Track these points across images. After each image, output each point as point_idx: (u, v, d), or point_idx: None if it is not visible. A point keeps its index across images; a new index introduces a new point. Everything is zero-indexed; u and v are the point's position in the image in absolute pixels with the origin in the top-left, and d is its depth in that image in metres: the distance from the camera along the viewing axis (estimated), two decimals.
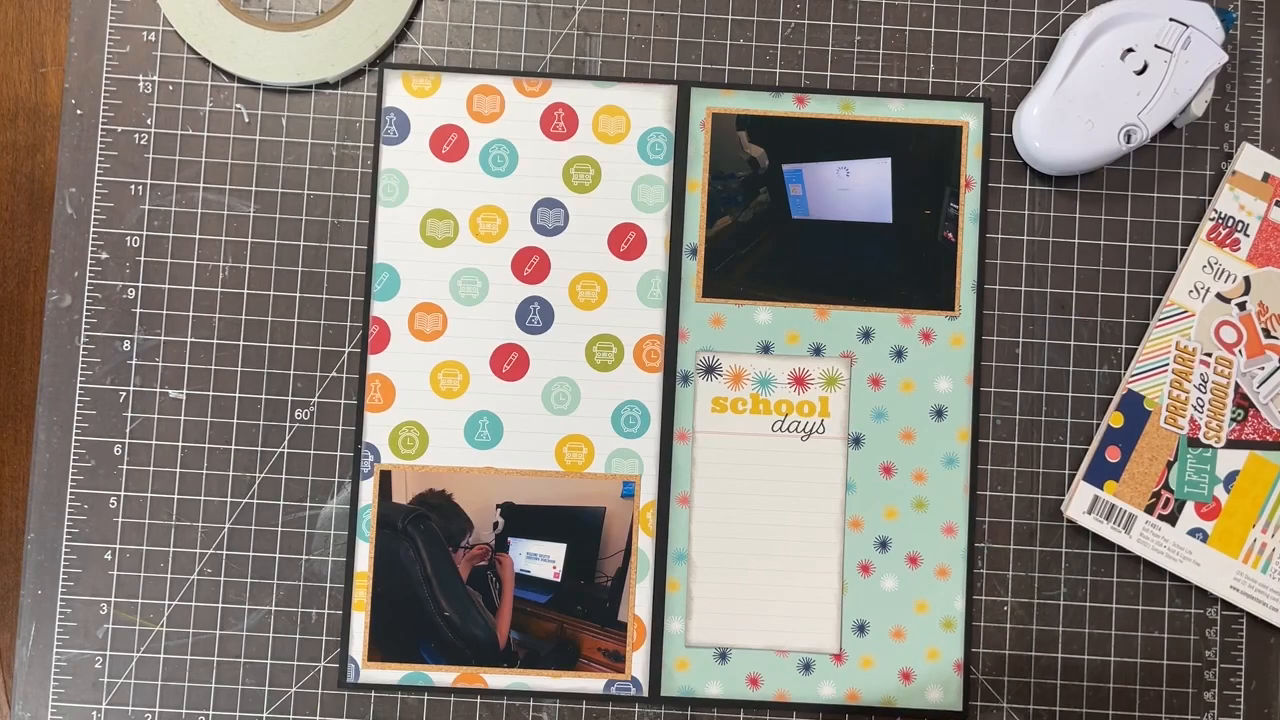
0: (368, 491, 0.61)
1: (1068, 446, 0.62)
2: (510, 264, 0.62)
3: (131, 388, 0.61)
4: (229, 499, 0.61)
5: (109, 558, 0.60)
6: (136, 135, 0.62)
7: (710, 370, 0.62)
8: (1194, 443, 0.61)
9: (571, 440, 0.61)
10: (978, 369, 0.62)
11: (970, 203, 0.62)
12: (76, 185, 0.61)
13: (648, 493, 0.61)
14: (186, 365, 0.61)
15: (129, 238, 0.61)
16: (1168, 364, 0.61)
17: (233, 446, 0.61)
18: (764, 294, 0.62)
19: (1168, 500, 0.61)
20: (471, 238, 0.62)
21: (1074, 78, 0.60)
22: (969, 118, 0.62)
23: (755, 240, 0.62)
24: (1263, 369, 0.61)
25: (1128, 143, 0.60)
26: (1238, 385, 0.61)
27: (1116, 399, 0.61)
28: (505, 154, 0.62)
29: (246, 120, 0.62)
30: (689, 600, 0.61)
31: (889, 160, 0.62)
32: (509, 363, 0.61)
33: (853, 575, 0.61)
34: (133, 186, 0.61)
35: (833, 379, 0.61)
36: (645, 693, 0.60)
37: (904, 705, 0.60)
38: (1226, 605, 0.61)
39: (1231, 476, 0.61)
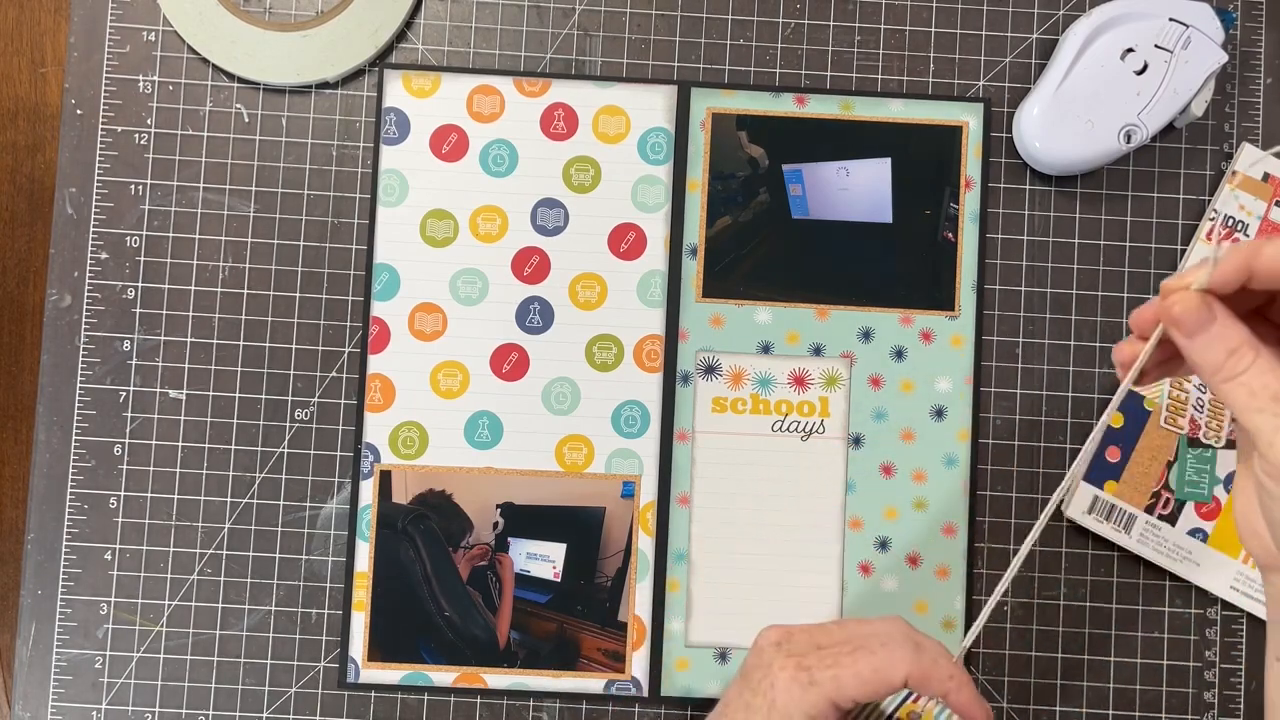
0: (368, 491, 0.61)
1: (1068, 446, 0.62)
2: (510, 264, 0.62)
3: (131, 388, 0.61)
4: (229, 499, 0.61)
5: (109, 558, 0.60)
6: (136, 135, 0.62)
7: (710, 370, 0.62)
8: (1194, 443, 0.61)
9: (571, 440, 0.61)
10: (978, 369, 0.62)
11: (970, 203, 0.62)
12: (76, 185, 0.61)
13: (648, 493, 0.61)
14: (186, 365, 0.61)
15: (129, 238, 0.61)
16: None
17: (233, 446, 0.61)
18: (764, 294, 0.62)
19: (1168, 500, 0.61)
20: (471, 238, 0.62)
21: (1074, 78, 0.60)
22: (969, 118, 0.62)
23: (755, 240, 0.62)
24: None
25: (1128, 143, 0.60)
26: None
27: (1116, 399, 0.61)
28: (505, 154, 0.62)
29: (246, 120, 0.62)
30: (689, 600, 0.61)
31: (889, 160, 0.62)
32: (509, 363, 0.61)
33: (853, 575, 0.61)
34: (133, 186, 0.61)
35: (833, 379, 0.61)
36: (645, 693, 0.60)
37: None
38: (1226, 605, 0.61)
39: (1231, 476, 0.61)
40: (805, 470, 0.61)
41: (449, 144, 0.62)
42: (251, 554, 0.61)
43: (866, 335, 0.62)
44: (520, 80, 0.62)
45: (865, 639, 0.46)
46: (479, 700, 0.60)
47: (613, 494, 0.61)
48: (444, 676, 0.60)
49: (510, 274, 0.62)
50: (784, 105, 0.62)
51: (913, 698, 0.48)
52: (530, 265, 0.62)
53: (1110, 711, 0.60)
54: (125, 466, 0.61)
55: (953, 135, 0.62)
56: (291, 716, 0.60)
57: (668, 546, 0.61)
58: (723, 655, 0.61)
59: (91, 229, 0.61)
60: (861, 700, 0.45)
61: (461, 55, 0.62)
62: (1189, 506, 0.61)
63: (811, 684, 0.45)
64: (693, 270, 0.62)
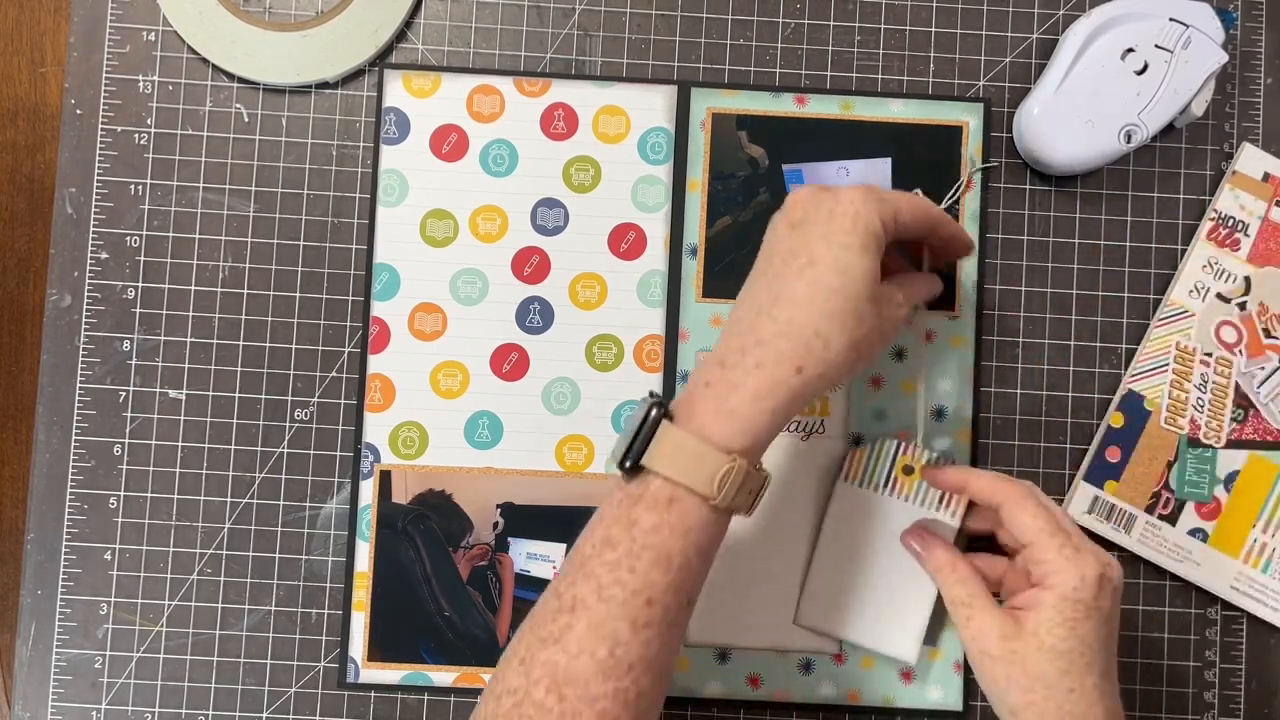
0: (368, 491, 0.61)
1: (1068, 446, 0.62)
2: (510, 264, 0.62)
3: (131, 388, 0.61)
4: (229, 499, 0.61)
5: (109, 558, 0.60)
6: (136, 135, 0.62)
7: None
8: (1194, 443, 0.61)
9: (571, 440, 0.61)
10: (978, 369, 0.62)
11: (970, 203, 0.62)
12: (76, 185, 0.61)
13: None
14: (186, 365, 0.61)
15: (129, 238, 0.61)
16: (1168, 364, 0.61)
17: (233, 446, 0.61)
18: None
19: (1168, 500, 0.61)
20: (471, 238, 0.62)
21: (1074, 78, 0.60)
22: (969, 118, 0.62)
23: (755, 240, 0.62)
24: (1263, 369, 0.61)
25: (1128, 143, 0.60)
26: (1238, 385, 0.61)
27: (1116, 399, 0.61)
28: (505, 154, 0.62)
29: (246, 120, 0.62)
30: None
31: (889, 160, 0.62)
32: (509, 363, 0.61)
33: None
34: (133, 186, 0.61)
35: None
36: None
37: (904, 705, 0.60)
38: (1226, 605, 0.61)
39: (1231, 476, 0.61)
40: (805, 470, 0.61)
41: (449, 144, 0.62)
42: (251, 554, 0.61)
43: None
44: (520, 80, 0.62)
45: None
46: (479, 700, 0.60)
47: None
48: (444, 676, 0.60)
49: (510, 274, 0.62)
50: (784, 105, 0.62)
51: (903, 450, 0.59)
52: (530, 265, 0.62)
53: None
54: (125, 466, 0.61)
55: (953, 135, 0.62)
56: (291, 716, 0.60)
57: None
58: (723, 655, 0.61)
59: (91, 229, 0.61)
60: (909, 227, 0.51)
61: (461, 55, 0.62)
62: (1189, 506, 0.61)
63: (881, 200, 0.49)
64: (693, 270, 0.62)
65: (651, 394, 0.50)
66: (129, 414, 0.61)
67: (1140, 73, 0.59)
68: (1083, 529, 0.61)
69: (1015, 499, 0.52)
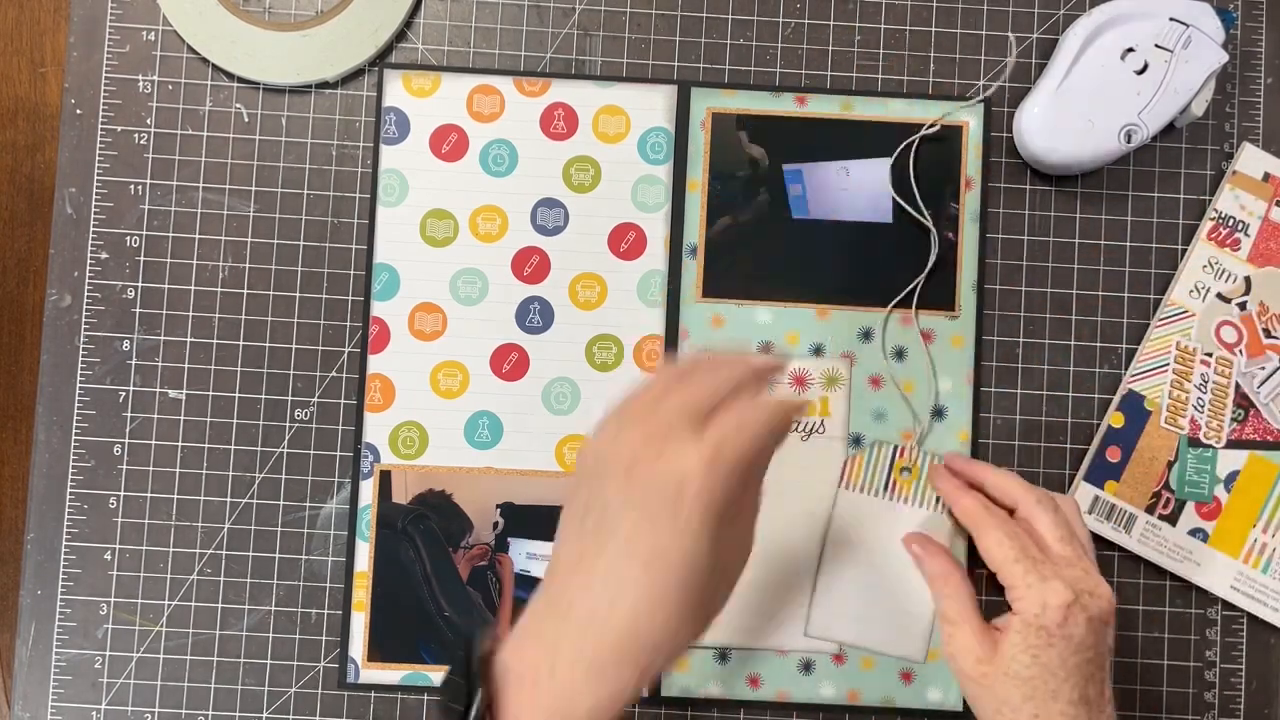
0: (368, 491, 0.61)
1: (1068, 446, 0.62)
2: (510, 264, 0.62)
3: (131, 388, 0.61)
4: (229, 499, 0.61)
5: (109, 558, 0.60)
6: (136, 135, 0.62)
7: None
8: (1194, 443, 0.61)
9: (571, 440, 0.61)
10: (978, 369, 0.62)
11: (970, 203, 0.62)
12: (76, 185, 0.61)
13: None
14: (186, 365, 0.61)
15: (129, 238, 0.61)
16: (1168, 364, 0.61)
17: (233, 446, 0.61)
18: (764, 294, 0.62)
19: (1168, 500, 0.61)
20: (471, 238, 0.62)
21: (1074, 78, 0.60)
22: (969, 118, 0.62)
23: (755, 241, 0.62)
24: (1263, 369, 0.61)
25: (1128, 143, 0.60)
26: (1238, 385, 0.61)
27: (1117, 399, 0.61)
28: (505, 154, 0.62)
29: (246, 120, 0.62)
30: None
31: (889, 160, 0.62)
32: (509, 363, 0.61)
33: None
34: (132, 186, 0.61)
35: (833, 379, 0.61)
36: (645, 693, 0.60)
37: (904, 705, 0.60)
38: (1226, 605, 0.61)
39: (1232, 476, 0.61)
40: (805, 470, 0.61)
41: (449, 144, 0.62)
42: (251, 554, 0.61)
43: (866, 335, 0.62)
44: (520, 80, 0.62)
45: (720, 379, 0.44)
46: None
47: None
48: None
49: (510, 274, 0.62)
50: (784, 105, 0.62)
51: (900, 453, 0.60)
52: (530, 265, 0.62)
53: None
54: (125, 466, 0.61)
55: (953, 135, 0.62)
56: (291, 716, 0.60)
57: None
58: (722, 655, 0.61)
59: (91, 229, 0.61)
60: (767, 454, 0.45)
61: (461, 55, 0.62)
62: (1189, 506, 0.61)
63: (725, 463, 0.42)
64: (693, 270, 0.62)
65: (453, 676, 0.43)
66: (129, 414, 0.61)
67: (1140, 72, 0.59)
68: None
69: (983, 528, 0.54)
